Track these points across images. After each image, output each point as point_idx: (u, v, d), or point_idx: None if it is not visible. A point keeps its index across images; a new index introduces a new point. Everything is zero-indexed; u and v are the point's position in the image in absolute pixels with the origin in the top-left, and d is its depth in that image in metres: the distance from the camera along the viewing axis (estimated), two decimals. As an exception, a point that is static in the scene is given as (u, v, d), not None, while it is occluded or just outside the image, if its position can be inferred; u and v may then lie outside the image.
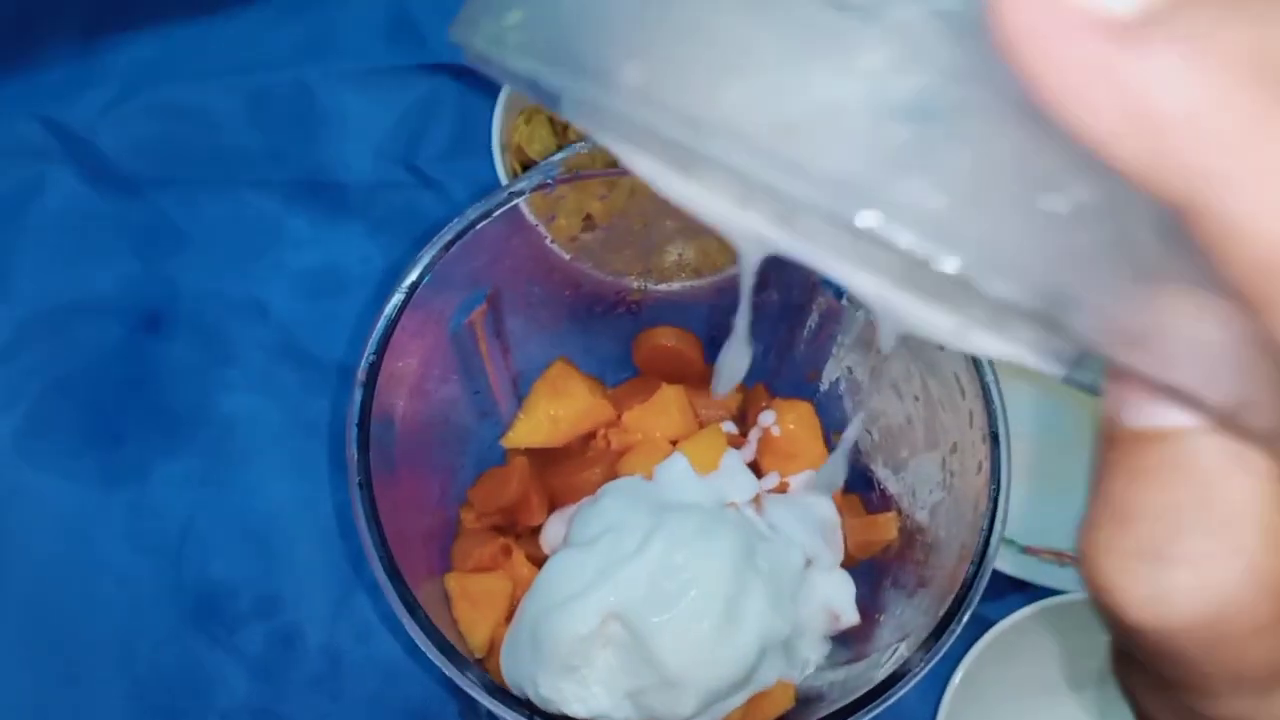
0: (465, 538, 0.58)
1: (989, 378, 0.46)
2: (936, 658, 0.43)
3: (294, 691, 0.63)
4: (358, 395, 0.45)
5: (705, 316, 0.61)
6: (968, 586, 0.43)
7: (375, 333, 0.46)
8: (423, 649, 0.44)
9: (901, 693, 0.42)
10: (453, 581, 0.55)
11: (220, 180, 0.75)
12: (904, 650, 0.44)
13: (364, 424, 0.44)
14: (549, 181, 0.50)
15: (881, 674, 0.44)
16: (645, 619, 0.49)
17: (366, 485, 0.44)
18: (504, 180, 0.67)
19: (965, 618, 0.43)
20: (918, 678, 0.43)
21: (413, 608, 0.44)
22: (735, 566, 0.50)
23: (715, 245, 0.60)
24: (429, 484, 0.56)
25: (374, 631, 0.65)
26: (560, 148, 0.68)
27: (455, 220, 0.49)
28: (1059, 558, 0.63)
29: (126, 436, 0.69)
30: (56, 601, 0.64)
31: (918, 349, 0.50)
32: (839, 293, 0.53)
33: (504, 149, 0.68)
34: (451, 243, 0.48)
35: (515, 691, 0.52)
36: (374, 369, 0.46)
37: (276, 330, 0.72)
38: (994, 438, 0.45)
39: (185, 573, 0.66)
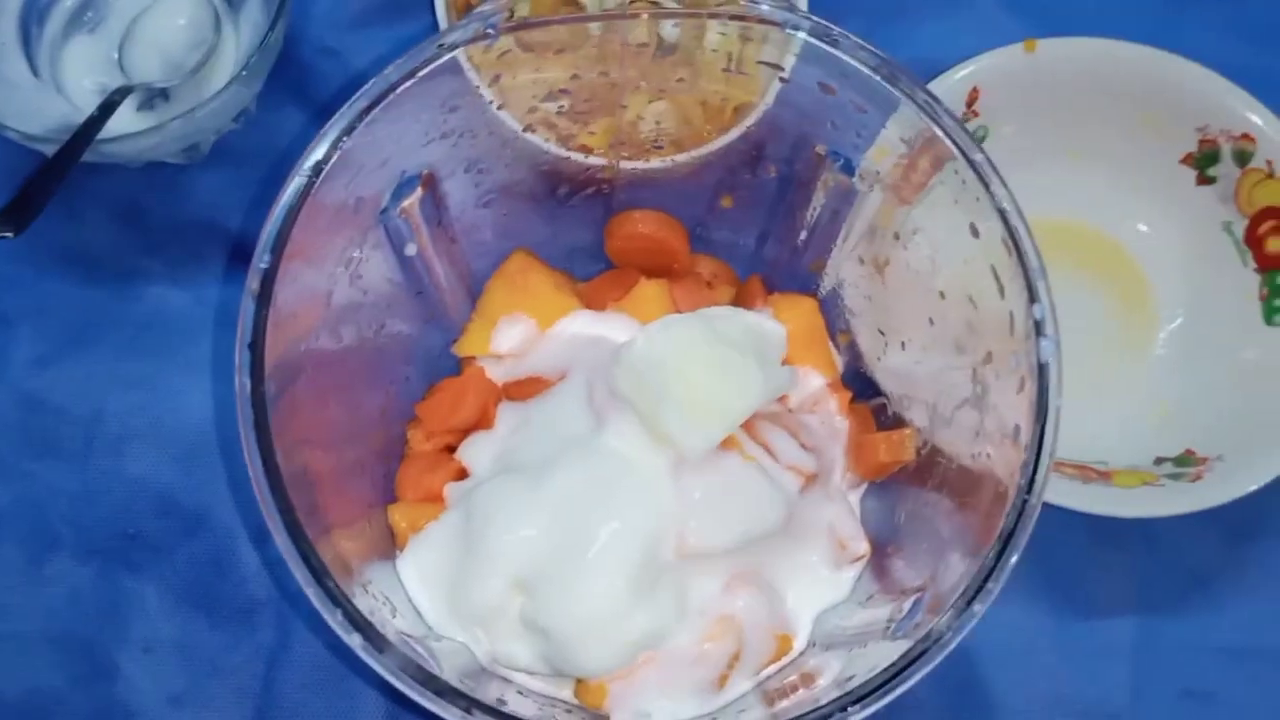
0: (413, 461, 0.49)
1: (1034, 265, 0.37)
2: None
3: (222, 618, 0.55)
4: (249, 309, 0.36)
5: (689, 197, 0.52)
6: (1010, 529, 0.35)
7: (268, 230, 0.37)
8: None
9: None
10: (398, 515, 0.47)
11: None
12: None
13: (256, 345, 0.35)
14: (491, 31, 0.40)
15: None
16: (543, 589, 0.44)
17: (263, 427, 0.34)
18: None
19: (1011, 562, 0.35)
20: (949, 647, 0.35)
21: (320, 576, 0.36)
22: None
23: (699, 114, 0.51)
24: (366, 401, 0.47)
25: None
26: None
27: (372, 81, 0.39)
28: (1082, 472, 0.53)
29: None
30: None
31: (941, 237, 0.41)
32: (848, 166, 0.44)
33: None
34: (367, 110, 0.39)
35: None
36: (269, 275, 0.36)
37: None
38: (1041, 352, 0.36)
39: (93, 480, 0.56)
